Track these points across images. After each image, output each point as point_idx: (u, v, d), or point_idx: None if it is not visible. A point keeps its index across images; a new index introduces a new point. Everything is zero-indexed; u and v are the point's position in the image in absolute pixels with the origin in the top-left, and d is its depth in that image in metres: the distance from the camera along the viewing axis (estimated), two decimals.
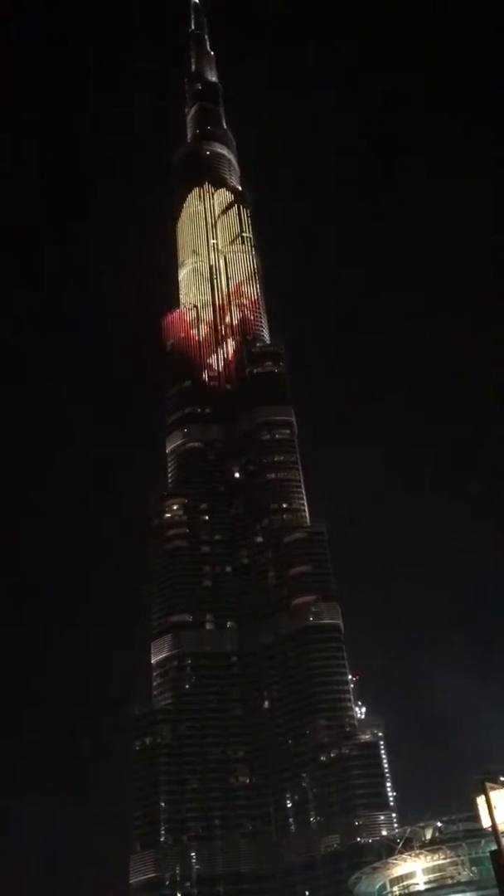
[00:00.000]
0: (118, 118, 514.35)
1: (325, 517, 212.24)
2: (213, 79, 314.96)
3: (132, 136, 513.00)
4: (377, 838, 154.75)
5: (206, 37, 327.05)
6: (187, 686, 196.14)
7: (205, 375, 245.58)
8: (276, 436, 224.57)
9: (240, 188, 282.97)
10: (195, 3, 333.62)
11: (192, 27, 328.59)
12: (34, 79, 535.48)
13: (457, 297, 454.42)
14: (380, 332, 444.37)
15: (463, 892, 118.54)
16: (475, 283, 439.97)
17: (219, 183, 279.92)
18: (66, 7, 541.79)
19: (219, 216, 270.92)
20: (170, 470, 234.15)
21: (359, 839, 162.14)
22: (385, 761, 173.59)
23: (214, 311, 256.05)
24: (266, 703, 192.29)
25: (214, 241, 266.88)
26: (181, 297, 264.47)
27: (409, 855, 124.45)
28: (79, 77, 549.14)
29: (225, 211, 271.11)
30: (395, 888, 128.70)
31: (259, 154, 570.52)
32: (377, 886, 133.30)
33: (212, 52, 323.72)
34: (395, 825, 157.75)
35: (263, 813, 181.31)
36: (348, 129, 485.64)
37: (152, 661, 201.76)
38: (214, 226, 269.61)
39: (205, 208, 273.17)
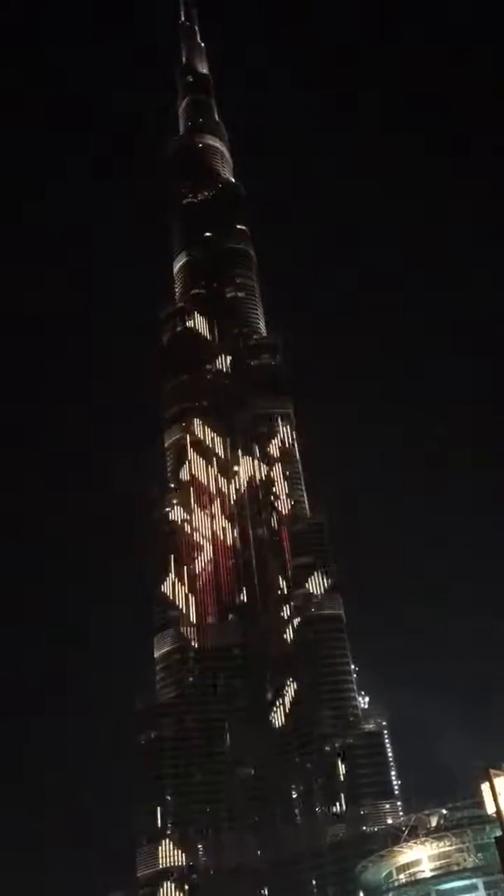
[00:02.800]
0: (112, 113, 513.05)
1: (325, 508, 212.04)
2: (205, 70, 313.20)
3: (128, 131, 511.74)
4: (383, 827, 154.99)
5: (197, 28, 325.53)
6: (190, 679, 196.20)
7: (202, 369, 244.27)
8: (275, 428, 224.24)
9: (233, 180, 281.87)
10: None
11: (182, 18, 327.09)
12: (28, 77, 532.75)
13: (459, 293, 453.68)
14: (380, 328, 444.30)
15: (469, 878, 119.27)
16: (477, 277, 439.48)
17: (212, 175, 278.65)
18: (57, 4, 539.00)
19: (213, 208, 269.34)
20: (168, 464, 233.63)
21: (364, 828, 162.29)
22: (389, 750, 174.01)
23: (210, 303, 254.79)
24: (269, 695, 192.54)
25: (209, 234, 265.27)
26: (176, 290, 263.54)
27: (415, 842, 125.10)
28: (73, 74, 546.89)
29: (219, 203, 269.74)
30: (402, 876, 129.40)
31: (253, 145, 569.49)
32: (383, 874, 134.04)
33: (202, 44, 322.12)
34: (401, 813, 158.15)
35: (269, 804, 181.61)
36: (344, 120, 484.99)
37: (155, 655, 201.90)
38: (209, 218, 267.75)
39: (199, 202, 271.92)
